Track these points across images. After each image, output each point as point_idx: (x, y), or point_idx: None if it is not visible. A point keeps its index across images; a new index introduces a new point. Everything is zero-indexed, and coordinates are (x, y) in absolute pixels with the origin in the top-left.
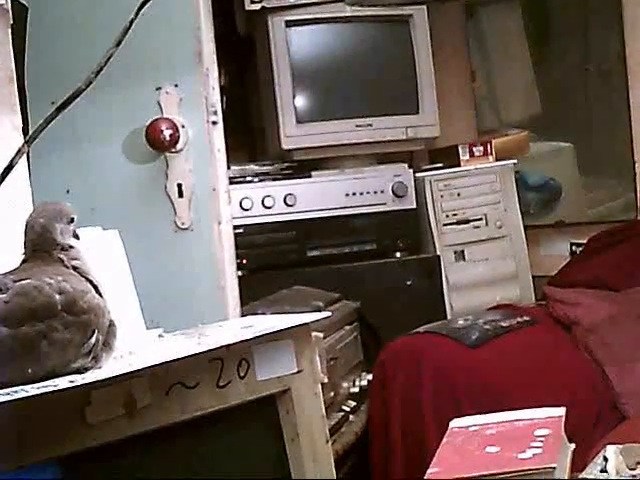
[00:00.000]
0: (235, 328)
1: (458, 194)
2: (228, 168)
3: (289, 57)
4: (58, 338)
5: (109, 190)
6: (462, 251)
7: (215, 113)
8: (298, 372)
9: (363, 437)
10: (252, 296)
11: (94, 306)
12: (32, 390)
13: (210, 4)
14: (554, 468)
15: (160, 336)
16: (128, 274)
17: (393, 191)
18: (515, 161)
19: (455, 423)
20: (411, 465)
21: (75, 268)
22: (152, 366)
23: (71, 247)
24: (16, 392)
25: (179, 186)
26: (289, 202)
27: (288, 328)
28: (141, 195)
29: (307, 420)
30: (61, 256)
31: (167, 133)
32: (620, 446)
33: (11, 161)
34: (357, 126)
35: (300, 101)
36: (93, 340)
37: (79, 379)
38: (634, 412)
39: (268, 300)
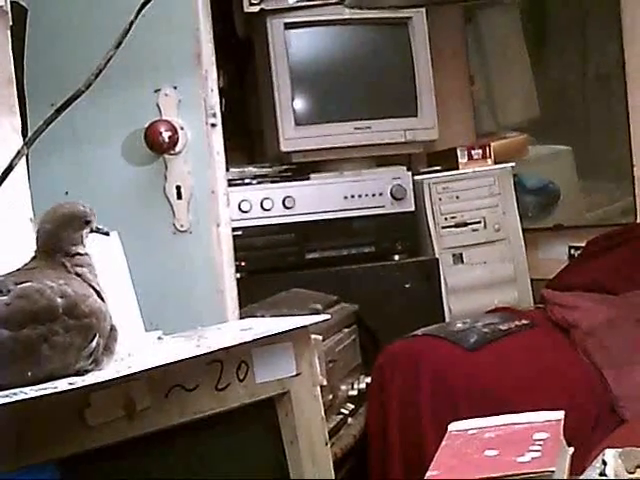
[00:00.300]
0: (234, 331)
1: (456, 197)
2: (227, 170)
3: (288, 59)
4: (59, 341)
5: (108, 192)
6: (460, 254)
7: (214, 115)
8: (297, 375)
9: (361, 440)
10: (250, 298)
11: (95, 310)
12: (32, 392)
13: (209, 6)
14: (553, 472)
15: (159, 338)
16: (127, 276)
17: (392, 194)
18: (513, 164)
19: (454, 426)
20: (409, 468)
21: (78, 275)
22: (151, 368)
23: (78, 254)
24: (16, 394)
25: (178, 188)
26: (288, 204)
27: (287, 331)
28: (140, 197)
29: (306, 423)
30: (64, 261)
31: (166, 135)
32: (619, 450)
33: (11, 163)
34: (356, 129)
35: (299, 103)
36: (94, 344)
37: (78, 381)
38: (632, 415)
39: (267, 303)
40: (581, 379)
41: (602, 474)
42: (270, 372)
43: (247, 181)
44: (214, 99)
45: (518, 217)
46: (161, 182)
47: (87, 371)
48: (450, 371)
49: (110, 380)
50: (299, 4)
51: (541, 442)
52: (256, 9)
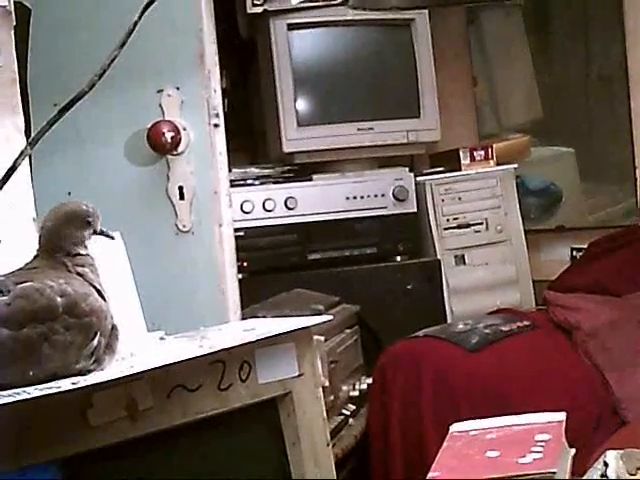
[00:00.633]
0: (237, 331)
1: (459, 198)
2: (229, 171)
3: (291, 60)
4: (59, 340)
5: (110, 192)
6: (462, 255)
7: (217, 116)
8: (299, 375)
9: (363, 441)
10: (252, 299)
11: (96, 309)
12: (34, 392)
13: (212, 7)
14: (554, 473)
15: (162, 339)
16: (130, 276)
17: (394, 195)
18: (516, 166)
19: (455, 427)
20: (410, 469)
21: (79, 274)
22: (154, 369)
23: (79, 254)
24: (18, 394)
25: (180, 189)
26: (290, 205)
27: (290, 331)
28: (142, 197)
29: (308, 423)
30: (65, 261)
31: (169, 135)
32: (620, 451)
33: (14, 163)
34: (358, 130)
35: (301, 104)
36: (95, 343)
37: (81, 381)
38: (634, 417)
39: (268, 303)
40: (583, 381)
41: (603, 475)
42: (272, 373)
43: (249, 182)
44: (217, 100)
45: (520, 218)
46: (163, 182)
47: (89, 371)
48: (452, 372)
49: (113, 380)
50: (302, 5)
51: (543, 443)
52: (259, 10)
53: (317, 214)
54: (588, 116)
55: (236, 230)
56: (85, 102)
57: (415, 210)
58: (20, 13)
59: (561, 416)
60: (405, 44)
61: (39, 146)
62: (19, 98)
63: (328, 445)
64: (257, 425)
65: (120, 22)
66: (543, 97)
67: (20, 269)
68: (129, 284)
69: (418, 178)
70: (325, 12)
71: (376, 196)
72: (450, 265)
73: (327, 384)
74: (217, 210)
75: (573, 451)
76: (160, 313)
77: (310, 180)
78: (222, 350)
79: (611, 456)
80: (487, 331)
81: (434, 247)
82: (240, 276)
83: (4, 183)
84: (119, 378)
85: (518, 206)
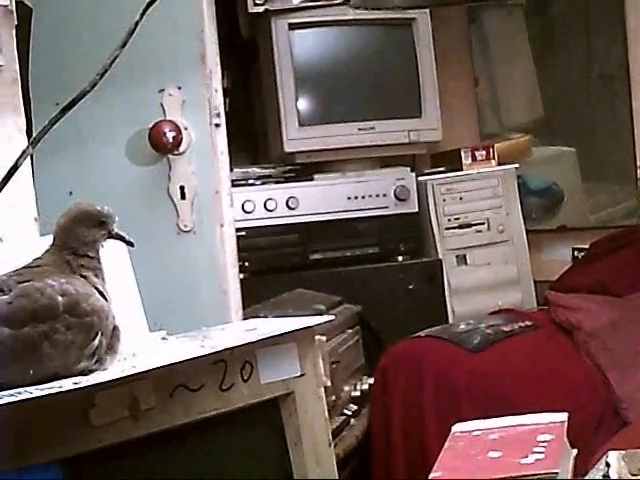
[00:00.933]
0: (239, 331)
1: (460, 198)
2: (231, 170)
3: (292, 60)
4: (60, 340)
5: (112, 192)
6: (464, 255)
7: (218, 115)
8: (301, 375)
9: (364, 441)
10: (254, 299)
11: (97, 309)
12: (36, 391)
13: (214, 7)
14: (556, 473)
15: (163, 338)
16: (131, 276)
17: (395, 195)
18: (517, 165)
19: (457, 428)
20: (412, 469)
21: (82, 276)
22: (156, 368)
23: (87, 256)
24: (20, 393)
25: (182, 188)
26: (291, 205)
27: (292, 331)
28: (143, 197)
29: (310, 423)
30: (70, 259)
31: (170, 135)
32: (622, 452)
33: (16, 162)
34: (360, 129)
35: (303, 104)
36: (96, 342)
37: (83, 381)
38: (635, 417)
39: (270, 303)
40: (584, 381)
41: (605, 476)
42: (274, 373)
43: (251, 181)
44: (218, 99)
45: (522, 218)
46: (165, 182)
47: (91, 371)
48: (453, 372)
49: (115, 380)
50: (303, 5)
51: (545, 444)
52: (260, 10)
53: (318, 214)
54: (590, 116)
55: (237, 230)
56: (86, 101)
57: (416, 210)
58: (21, 12)
59: (563, 416)
60: (406, 44)
61: (40, 145)
62: (20, 97)
63: (330, 445)
64: (259, 425)
65: (121, 22)
66: (544, 97)
67: (24, 267)
68: (131, 284)
69: (419, 178)
70: (326, 12)
71: (377, 196)
72: (451, 265)
73: (329, 384)
74: (218, 210)
75: (575, 451)
76: (161, 313)
77: (311, 180)
78: (224, 350)
79: (613, 456)
80: (489, 331)
81: (435, 247)
82: (241, 276)
83: (6, 183)
84: (121, 378)
85: (519, 206)
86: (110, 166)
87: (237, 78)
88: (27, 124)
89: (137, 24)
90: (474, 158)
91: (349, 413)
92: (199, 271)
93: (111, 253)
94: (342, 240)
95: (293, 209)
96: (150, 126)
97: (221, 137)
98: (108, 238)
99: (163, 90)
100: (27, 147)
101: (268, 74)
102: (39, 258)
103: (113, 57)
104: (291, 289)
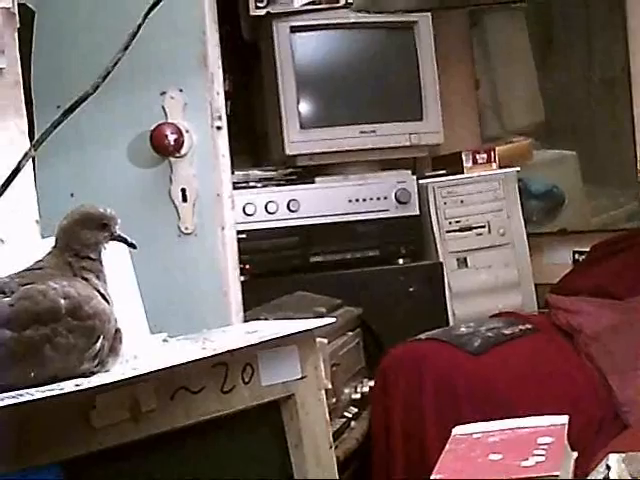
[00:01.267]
0: (239, 333)
1: (461, 201)
2: (232, 173)
3: (293, 63)
4: (62, 343)
5: (113, 194)
6: (465, 258)
7: (219, 118)
8: (302, 378)
9: (365, 444)
10: (255, 301)
11: (99, 312)
12: (37, 393)
13: (215, 9)
14: (557, 476)
15: (165, 341)
16: (133, 278)
17: (396, 197)
18: (518, 169)
19: (458, 430)
20: (412, 472)
21: (84, 278)
22: (157, 370)
23: (89, 258)
24: (22, 395)
25: (183, 191)
26: (292, 208)
27: (293, 334)
28: (145, 199)
29: (311, 426)
30: (72, 261)
31: (172, 138)
32: (623, 454)
33: (18, 164)
34: (361, 132)
35: (304, 107)
36: (98, 345)
37: (84, 383)
38: (635, 420)
39: (271, 306)
40: (585, 384)
41: (606, 478)
42: (275, 375)
43: (252, 184)
44: (220, 102)
45: (523, 222)
46: (166, 185)
47: (93, 373)
48: (454, 375)
49: (116, 382)
50: (305, 8)
51: (545, 446)
52: (262, 12)
53: (319, 217)
54: (591, 119)
55: (238, 232)
56: (88, 104)
57: (417, 213)
58: (24, 15)
59: (564, 419)
60: (408, 47)
61: (42, 148)
62: (23, 100)
63: (331, 447)
64: (260, 427)
65: (123, 25)
66: (546, 100)
67: (27, 269)
68: (132, 286)
69: (420, 181)
70: (328, 15)
71: (378, 199)
72: (452, 268)
73: (330, 386)
74: (220, 212)
75: (575, 454)
76: (162, 315)
77: (312, 183)
78: (225, 352)
79: (614, 459)
80: (489, 334)
81: (436, 250)
82: (242, 278)
83: (8, 185)
84: (122, 380)
85: (520, 209)
86: (111, 168)
87: (239, 81)
88: (29, 126)
89: (140, 27)
90: (475, 161)
91: (349, 415)
92: (200, 273)
93: (113, 255)
94: (343, 243)
95: (294, 212)
96: (152, 129)
97: (222, 140)
98: (110, 240)
99: (165, 93)
100: (29, 149)
101: (270, 77)
102: (41, 260)
103: (116, 60)
104: (292, 292)
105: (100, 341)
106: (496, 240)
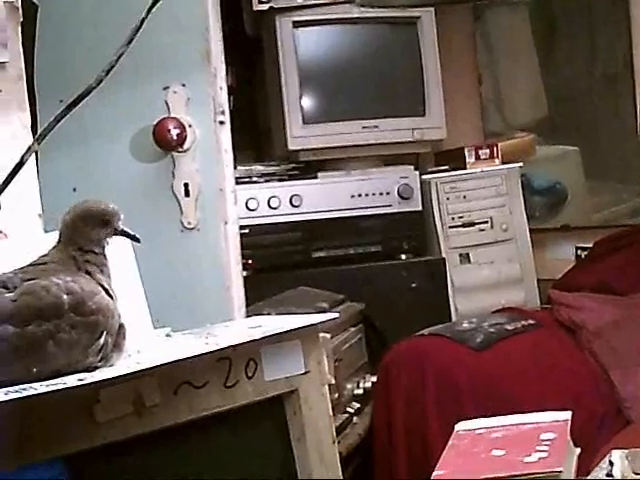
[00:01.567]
0: (243, 328)
1: (464, 197)
2: (234, 168)
3: (296, 58)
4: (64, 338)
5: (115, 189)
6: (467, 254)
7: (222, 113)
8: (305, 373)
9: (367, 439)
10: (257, 296)
11: (103, 307)
12: (41, 388)
13: (219, 4)
14: (560, 472)
15: (168, 335)
16: (136, 273)
17: (399, 193)
18: (521, 164)
19: (461, 426)
20: (415, 467)
21: (88, 272)
22: (160, 365)
23: (92, 252)
24: (25, 389)
25: (186, 186)
26: (295, 203)
27: (297, 329)
28: (147, 194)
29: (314, 421)
30: (75, 255)
31: (174, 132)
32: (626, 450)
33: (21, 159)
34: (364, 127)
35: (307, 102)
36: (102, 341)
37: (87, 377)
38: (638, 416)
39: (273, 301)
40: (587, 380)
41: (609, 475)
42: (279, 370)
43: (255, 179)
44: (223, 97)
45: (525, 217)
46: (169, 179)
47: (96, 368)
48: (456, 370)
49: (119, 376)
50: (308, 2)
51: (548, 442)
52: (265, 7)
53: (322, 212)
54: (593, 115)
55: (241, 227)
56: (91, 98)
57: (420, 208)
58: (27, 9)
59: (566, 415)
60: (411, 42)
61: (45, 142)
62: (25, 94)
63: (334, 442)
64: (263, 422)
65: (127, 19)
66: (549, 95)
67: (30, 264)
68: (135, 281)
69: (423, 176)
70: (331, 9)
71: (381, 194)
72: (455, 263)
73: (333, 382)
74: (222, 207)
75: (578, 450)
76: (165, 310)
77: (315, 178)
78: (228, 347)
79: (616, 455)
80: (492, 330)
81: (439, 245)
82: (245, 273)
83: (11, 179)
84: (126, 374)
85: (523, 205)
86: (114, 163)
87: (241, 76)
88: (32, 120)
89: (143, 21)
90: (478, 157)
91: (352, 411)
92: (202, 268)
93: (116, 250)
94: (345, 238)
95: (297, 207)
96: (154, 123)
97: (225, 135)
98: (114, 235)
99: (168, 87)
100: (32, 143)
101: (272, 72)
102: (45, 255)
103: (119, 54)
104: (294, 287)
105: (104, 337)
106: (499, 236)
